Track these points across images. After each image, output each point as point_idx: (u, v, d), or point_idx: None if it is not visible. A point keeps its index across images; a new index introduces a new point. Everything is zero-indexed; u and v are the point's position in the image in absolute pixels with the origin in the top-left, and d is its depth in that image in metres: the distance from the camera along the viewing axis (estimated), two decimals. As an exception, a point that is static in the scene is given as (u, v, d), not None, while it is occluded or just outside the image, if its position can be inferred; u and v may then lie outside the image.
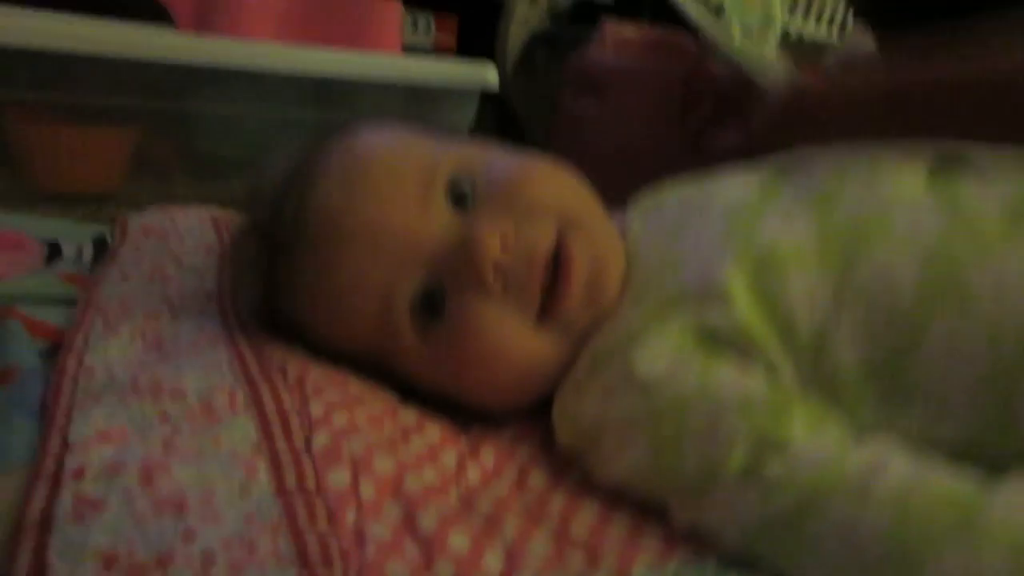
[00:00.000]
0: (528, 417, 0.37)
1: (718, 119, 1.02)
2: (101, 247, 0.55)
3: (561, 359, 0.34)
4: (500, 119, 1.33)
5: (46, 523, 0.25)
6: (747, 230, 0.33)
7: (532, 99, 1.32)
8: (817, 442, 0.28)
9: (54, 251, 0.54)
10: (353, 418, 0.32)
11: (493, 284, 0.33)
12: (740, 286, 0.31)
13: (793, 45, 1.83)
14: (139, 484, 0.27)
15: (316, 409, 0.32)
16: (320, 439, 0.30)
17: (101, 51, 0.67)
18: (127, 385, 0.32)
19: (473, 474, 0.32)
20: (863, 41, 0.89)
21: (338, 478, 0.29)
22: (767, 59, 1.06)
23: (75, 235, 0.58)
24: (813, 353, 0.30)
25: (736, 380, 0.30)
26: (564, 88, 1.12)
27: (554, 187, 0.36)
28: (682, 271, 0.33)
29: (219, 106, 0.77)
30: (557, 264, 0.34)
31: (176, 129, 0.78)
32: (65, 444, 0.28)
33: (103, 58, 0.68)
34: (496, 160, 0.37)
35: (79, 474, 0.27)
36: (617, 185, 1.11)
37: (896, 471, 0.27)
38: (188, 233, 0.55)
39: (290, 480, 0.28)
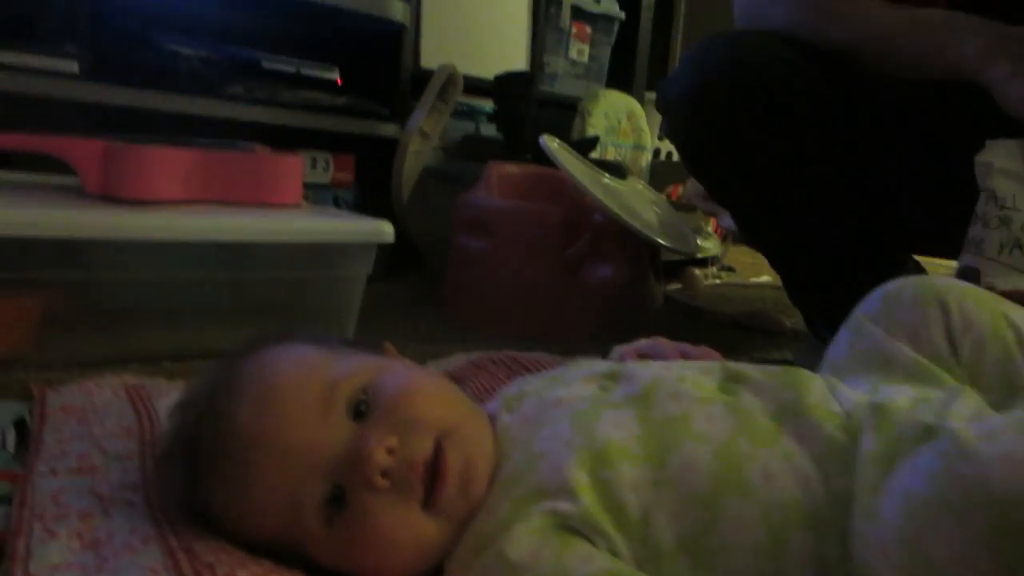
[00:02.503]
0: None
1: (595, 253, 1.15)
2: (22, 430, 0.59)
3: (443, 541, 0.42)
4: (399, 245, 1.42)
5: None
6: (587, 431, 0.42)
7: (426, 228, 1.42)
8: None
9: (-24, 437, 0.58)
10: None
11: (381, 484, 0.41)
12: (583, 482, 0.40)
13: (663, 164, 2.03)
14: None
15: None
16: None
17: (10, 233, 0.72)
18: (73, 594, 0.38)
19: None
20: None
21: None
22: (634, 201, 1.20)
23: (-6, 415, 0.62)
24: (641, 532, 0.39)
25: (584, 559, 0.38)
26: (456, 226, 1.23)
27: (433, 402, 0.45)
28: (539, 469, 0.42)
29: (127, 272, 0.82)
30: (436, 465, 0.42)
31: (84, 291, 0.82)
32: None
33: (12, 237, 0.72)
34: (387, 379, 0.45)
35: None
36: (507, 313, 1.22)
37: None
38: (106, 412, 0.60)
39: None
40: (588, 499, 0.40)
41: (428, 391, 0.46)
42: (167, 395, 0.65)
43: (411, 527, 0.41)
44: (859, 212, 0.89)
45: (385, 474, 0.41)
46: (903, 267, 1.00)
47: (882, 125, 0.85)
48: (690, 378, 0.45)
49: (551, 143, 1.16)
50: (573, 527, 0.39)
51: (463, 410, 0.46)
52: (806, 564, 0.38)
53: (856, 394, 0.43)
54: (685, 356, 0.54)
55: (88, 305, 0.83)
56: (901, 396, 0.42)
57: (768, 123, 0.84)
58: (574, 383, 0.48)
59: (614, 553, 0.39)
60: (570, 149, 1.20)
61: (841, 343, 0.51)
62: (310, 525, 0.42)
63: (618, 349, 0.56)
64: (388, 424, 0.42)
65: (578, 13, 1.87)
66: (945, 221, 0.76)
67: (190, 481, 0.44)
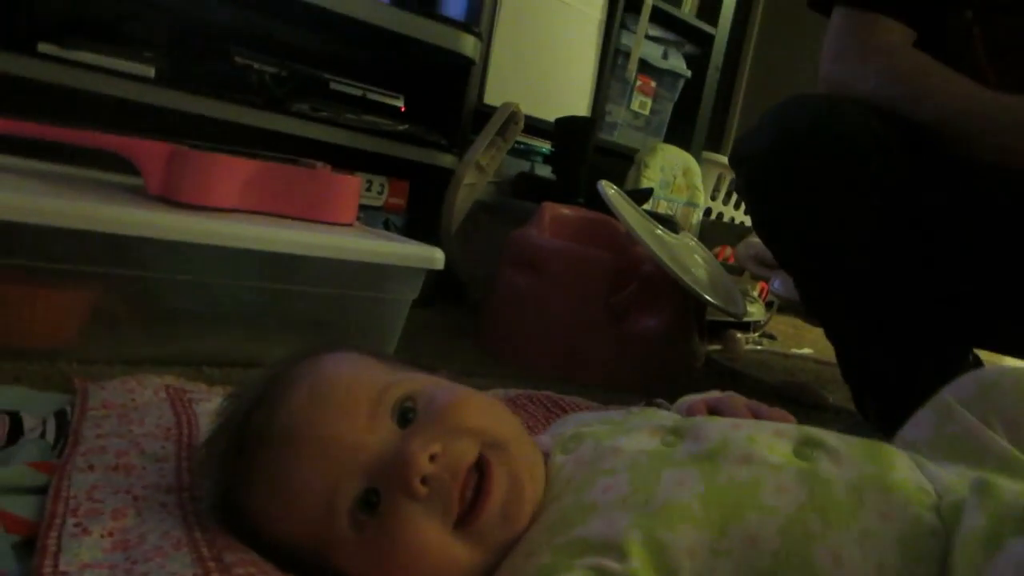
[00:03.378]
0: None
1: (641, 304, 1.13)
2: (62, 421, 0.58)
3: (472, 569, 0.40)
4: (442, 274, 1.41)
5: None
6: (646, 489, 0.40)
7: (471, 260, 1.42)
8: None
9: (15, 424, 0.57)
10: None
11: (420, 490, 0.39)
12: (635, 542, 0.38)
13: (713, 224, 2.01)
14: None
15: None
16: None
17: (67, 225, 0.73)
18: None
19: None
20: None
21: None
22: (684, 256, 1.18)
23: (35, 404, 0.61)
24: None
25: None
26: (503, 261, 1.22)
27: (481, 414, 0.43)
28: (590, 520, 0.39)
29: (177, 274, 0.82)
30: (480, 478, 0.40)
31: (134, 289, 0.82)
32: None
33: (69, 229, 0.73)
34: (436, 389, 0.44)
35: None
36: (545, 352, 1.19)
37: None
38: (146, 412, 0.59)
39: None
40: (638, 561, 0.37)
41: (478, 404, 0.44)
42: (207, 400, 0.65)
43: (441, 546, 0.40)
44: (933, 296, 0.86)
45: (425, 481, 0.39)
46: (965, 358, 0.96)
47: (968, 211, 0.82)
48: (762, 440, 0.42)
49: (609, 189, 1.15)
50: None
51: (514, 430, 0.45)
52: None
53: (947, 475, 0.40)
54: (756, 415, 0.51)
55: (136, 304, 0.83)
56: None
57: (850, 193, 0.81)
58: (636, 433, 0.45)
59: (661, 618, 0.37)
60: (627, 197, 1.20)
61: (924, 424, 0.48)
62: (341, 527, 0.40)
63: (686, 399, 0.53)
64: (433, 432, 0.41)
65: (645, 67, 1.88)
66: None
67: (232, 468, 0.44)
